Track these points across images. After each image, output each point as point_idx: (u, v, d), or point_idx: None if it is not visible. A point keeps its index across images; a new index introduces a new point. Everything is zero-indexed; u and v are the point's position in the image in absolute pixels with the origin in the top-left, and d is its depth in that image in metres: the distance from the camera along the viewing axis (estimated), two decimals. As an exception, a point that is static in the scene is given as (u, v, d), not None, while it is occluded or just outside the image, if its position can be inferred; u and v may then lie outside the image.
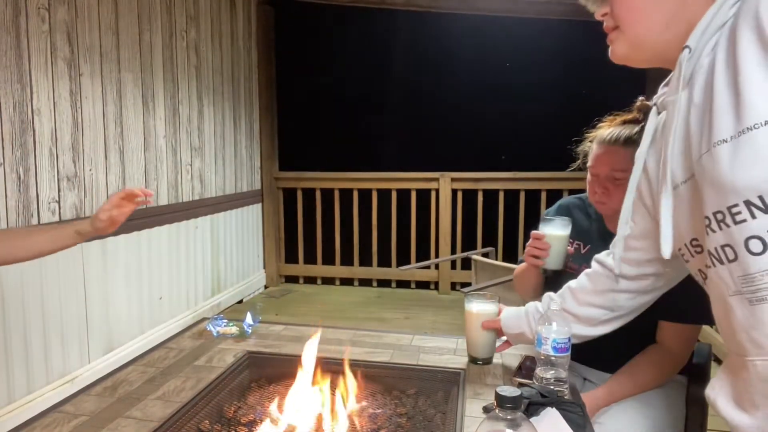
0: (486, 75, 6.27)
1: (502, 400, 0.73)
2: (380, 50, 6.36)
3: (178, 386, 1.21)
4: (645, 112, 1.42)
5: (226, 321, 1.58)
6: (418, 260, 4.75)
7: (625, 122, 1.42)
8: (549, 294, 1.21)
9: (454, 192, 4.74)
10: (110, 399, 1.15)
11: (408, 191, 4.80)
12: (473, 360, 1.36)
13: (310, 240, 4.98)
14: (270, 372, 1.35)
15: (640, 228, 0.98)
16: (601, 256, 1.16)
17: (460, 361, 1.35)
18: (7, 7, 2.23)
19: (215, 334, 1.53)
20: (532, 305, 1.30)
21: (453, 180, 4.71)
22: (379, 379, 1.29)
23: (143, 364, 1.33)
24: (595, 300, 1.15)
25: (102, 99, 2.80)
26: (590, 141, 1.48)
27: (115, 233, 2.87)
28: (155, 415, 1.07)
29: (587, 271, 1.19)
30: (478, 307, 1.35)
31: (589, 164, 1.45)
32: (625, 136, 1.38)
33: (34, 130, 2.38)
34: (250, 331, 1.55)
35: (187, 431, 1.07)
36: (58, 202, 2.52)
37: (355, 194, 4.84)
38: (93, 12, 2.71)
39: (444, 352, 1.42)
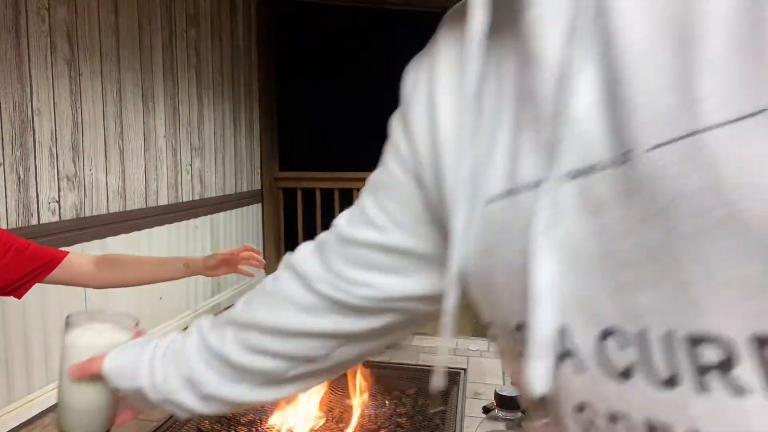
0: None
1: (501, 400, 0.73)
2: (380, 49, 6.36)
3: (178, 386, 1.20)
4: None
5: (226, 321, 1.58)
6: (418, 260, 4.74)
7: None
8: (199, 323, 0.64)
9: (454, 192, 4.74)
10: (110, 399, 1.14)
11: (408, 191, 4.80)
12: None
13: (310, 240, 4.97)
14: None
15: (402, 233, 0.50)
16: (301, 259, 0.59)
17: (460, 361, 1.35)
18: (7, 7, 2.23)
19: (215, 334, 1.53)
20: (165, 342, 0.65)
21: (453, 180, 4.70)
22: (379, 379, 1.29)
23: (143, 364, 1.33)
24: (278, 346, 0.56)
25: (102, 99, 2.80)
26: None
27: (115, 233, 2.87)
28: (155, 415, 1.07)
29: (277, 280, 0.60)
30: (86, 338, 0.71)
31: None
32: None
33: (34, 130, 2.38)
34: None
35: (187, 431, 1.07)
36: (58, 202, 2.52)
37: (355, 194, 4.84)
38: (93, 12, 2.71)
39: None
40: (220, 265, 1.49)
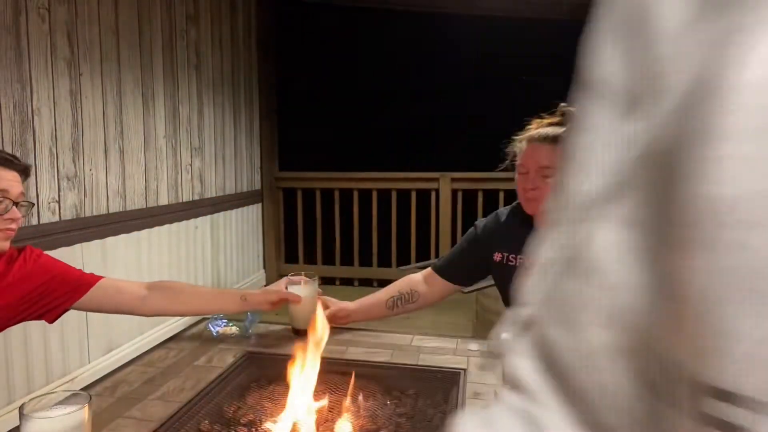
0: (487, 74, 6.27)
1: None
2: (381, 50, 6.36)
3: (177, 386, 1.21)
4: (566, 114, 1.49)
5: (226, 321, 1.58)
6: (418, 260, 4.74)
7: (550, 124, 1.50)
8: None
9: (454, 192, 4.73)
10: (110, 399, 1.15)
11: (408, 191, 4.80)
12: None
13: (310, 240, 4.98)
14: (270, 372, 1.35)
15: None
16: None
17: (460, 361, 1.35)
18: (7, 7, 2.23)
19: (215, 334, 1.53)
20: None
21: (453, 180, 4.70)
22: (379, 379, 1.29)
23: (143, 364, 1.33)
24: None
25: (102, 99, 2.80)
26: (519, 141, 1.53)
27: (115, 233, 2.87)
28: (155, 415, 1.07)
29: None
30: (40, 427, 0.85)
31: (518, 161, 1.50)
32: (552, 134, 1.45)
33: (34, 130, 2.38)
34: (250, 331, 1.55)
35: (187, 431, 1.07)
36: (58, 202, 2.52)
37: (355, 194, 4.84)
38: (93, 12, 2.71)
39: (444, 352, 1.42)
40: (281, 302, 1.49)
